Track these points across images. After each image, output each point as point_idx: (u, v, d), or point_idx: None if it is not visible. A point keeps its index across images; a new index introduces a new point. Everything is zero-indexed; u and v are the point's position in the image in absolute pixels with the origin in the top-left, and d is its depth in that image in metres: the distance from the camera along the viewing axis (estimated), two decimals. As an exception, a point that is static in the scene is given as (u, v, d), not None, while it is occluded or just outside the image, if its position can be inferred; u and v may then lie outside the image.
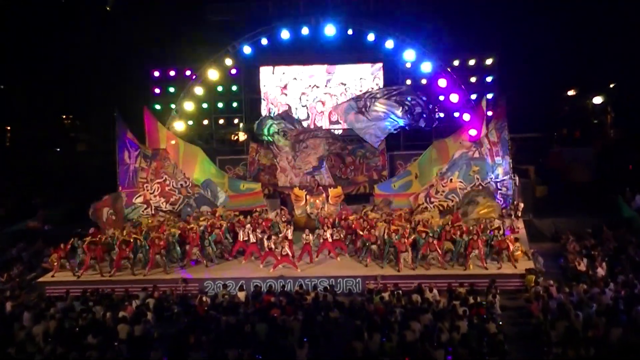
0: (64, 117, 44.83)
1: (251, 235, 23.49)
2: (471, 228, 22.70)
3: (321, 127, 33.16)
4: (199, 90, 33.48)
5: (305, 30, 32.35)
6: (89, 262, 22.49)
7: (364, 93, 28.92)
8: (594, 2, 35.60)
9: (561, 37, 35.78)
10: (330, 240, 23.30)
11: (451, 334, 15.86)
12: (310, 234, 23.30)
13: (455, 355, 15.10)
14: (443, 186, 27.13)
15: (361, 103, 27.65)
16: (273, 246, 22.45)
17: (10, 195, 35.09)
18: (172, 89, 35.21)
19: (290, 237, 23.10)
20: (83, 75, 38.37)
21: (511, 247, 21.66)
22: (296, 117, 32.07)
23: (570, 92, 41.61)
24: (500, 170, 26.87)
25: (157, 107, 35.16)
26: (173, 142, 30.85)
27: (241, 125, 37.07)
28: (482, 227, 22.86)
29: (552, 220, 27.55)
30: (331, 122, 34.81)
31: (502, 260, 21.80)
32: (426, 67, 32.01)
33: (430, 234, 22.22)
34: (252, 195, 29.26)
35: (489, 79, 34.20)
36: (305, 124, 33.22)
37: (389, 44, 31.98)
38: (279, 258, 22.27)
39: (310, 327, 16.69)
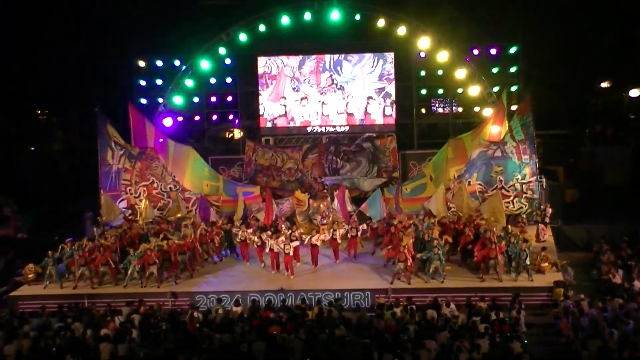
0: (39, 112, 44.91)
1: (255, 239, 24.10)
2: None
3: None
4: (189, 83, 33.61)
5: (307, 16, 32.50)
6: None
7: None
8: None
9: (593, 22, 35.73)
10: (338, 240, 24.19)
11: (471, 354, 15.91)
12: (317, 236, 23.86)
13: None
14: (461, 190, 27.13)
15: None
16: (277, 247, 23.02)
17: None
18: (159, 81, 35.35)
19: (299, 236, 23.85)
20: (60, 66, 38.41)
21: (500, 258, 21.60)
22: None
23: (604, 84, 41.56)
24: (527, 170, 26.89)
25: (143, 101, 35.25)
26: (161, 140, 30.94)
27: (236, 121, 37.13)
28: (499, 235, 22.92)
29: (583, 227, 27.61)
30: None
31: (485, 273, 21.76)
32: (442, 56, 32.14)
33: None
34: (250, 200, 29.23)
35: (512, 69, 34.25)
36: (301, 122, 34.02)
37: (401, 30, 32.13)
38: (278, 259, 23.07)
39: (313, 346, 16.73)
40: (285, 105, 34.97)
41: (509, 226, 24.18)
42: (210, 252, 24.97)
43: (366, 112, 34.56)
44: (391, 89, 34.36)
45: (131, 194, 28.98)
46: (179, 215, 27.47)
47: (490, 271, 21.63)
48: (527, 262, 21.54)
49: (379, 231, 25.32)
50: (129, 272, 22.44)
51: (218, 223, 26.23)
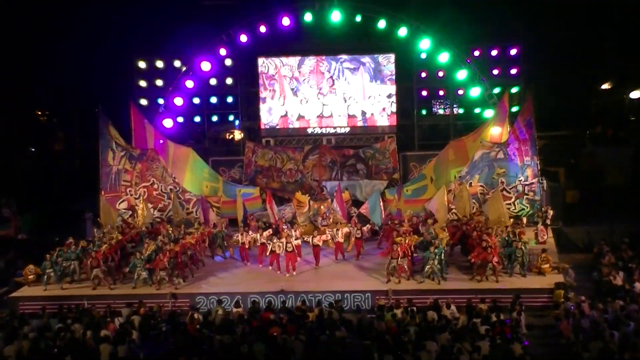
0: (39, 112, 44.91)
1: (259, 237, 24.45)
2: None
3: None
4: (189, 84, 33.57)
5: (308, 17, 32.50)
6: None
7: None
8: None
9: (594, 23, 35.71)
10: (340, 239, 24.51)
11: (472, 356, 15.92)
12: (319, 236, 24.10)
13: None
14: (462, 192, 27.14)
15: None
16: (278, 248, 23.29)
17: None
18: (159, 82, 35.27)
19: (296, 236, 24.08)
20: (60, 66, 38.39)
21: (496, 260, 21.63)
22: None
23: (605, 86, 41.53)
24: (529, 171, 26.97)
25: (143, 102, 35.19)
26: (161, 141, 30.94)
27: (237, 122, 37.09)
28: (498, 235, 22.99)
29: (584, 229, 27.64)
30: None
31: (482, 275, 21.84)
32: (443, 57, 32.18)
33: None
34: (249, 201, 29.28)
35: (513, 71, 34.24)
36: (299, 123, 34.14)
37: (402, 31, 32.15)
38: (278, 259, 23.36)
39: (313, 347, 16.76)
40: (285, 106, 34.92)
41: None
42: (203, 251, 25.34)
43: (367, 114, 34.50)
44: (392, 90, 34.29)
45: (131, 195, 28.98)
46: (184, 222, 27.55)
47: (487, 272, 21.73)
48: (526, 259, 21.63)
49: (386, 232, 25.40)
50: (136, 274, 22.56)
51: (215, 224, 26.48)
